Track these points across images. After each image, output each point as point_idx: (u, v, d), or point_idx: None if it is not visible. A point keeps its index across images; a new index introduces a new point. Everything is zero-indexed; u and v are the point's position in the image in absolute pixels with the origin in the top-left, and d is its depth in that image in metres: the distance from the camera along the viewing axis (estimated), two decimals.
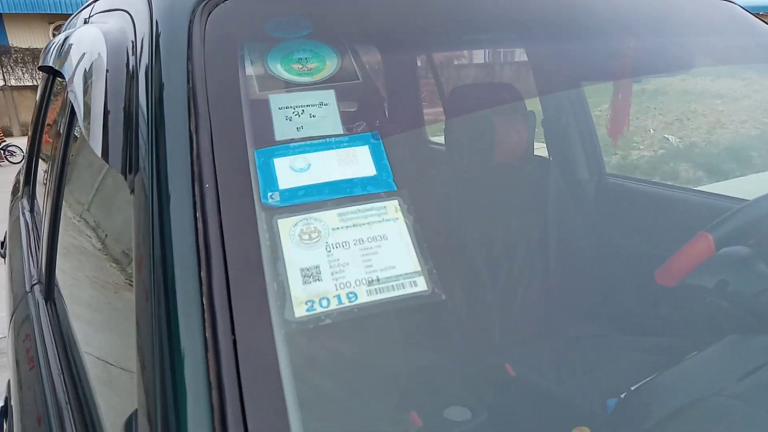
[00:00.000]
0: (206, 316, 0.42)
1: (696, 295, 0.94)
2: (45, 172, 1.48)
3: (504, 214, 1.16)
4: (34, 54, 19.68)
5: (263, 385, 0.38)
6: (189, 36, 0.65)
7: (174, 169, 0.52)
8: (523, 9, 0.91)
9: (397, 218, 0.45)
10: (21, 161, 11.37)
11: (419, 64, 1.49)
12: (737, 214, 1.07)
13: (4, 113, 16.23)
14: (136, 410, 0.43)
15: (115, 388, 0.55)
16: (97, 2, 1.09)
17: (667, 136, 9.42)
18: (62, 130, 1.10)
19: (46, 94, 1.65)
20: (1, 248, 1.81)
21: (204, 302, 0.42)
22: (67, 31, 1.30)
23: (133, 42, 0.71)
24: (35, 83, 19.56)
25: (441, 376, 0.73)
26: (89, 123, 0.72)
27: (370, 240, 0.45)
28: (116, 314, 0.65)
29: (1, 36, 21.42)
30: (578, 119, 1.60)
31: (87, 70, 0.77)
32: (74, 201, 0.97)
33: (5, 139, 12.05)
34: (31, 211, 1.58)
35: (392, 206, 0.46)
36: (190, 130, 0.56)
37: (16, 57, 19.26)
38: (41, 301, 1.06)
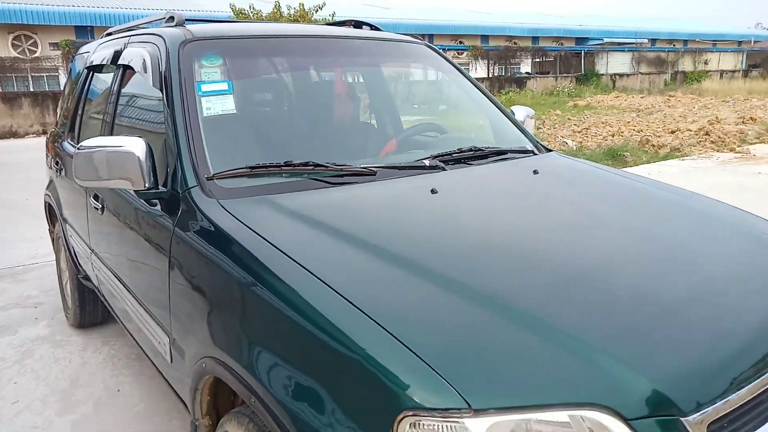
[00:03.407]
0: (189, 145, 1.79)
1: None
2: (90, 120, 2.81)
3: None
4: None
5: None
6: (177, 54, 2.00)
7: (176, 98, 1.88)
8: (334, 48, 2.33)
9: (228, 101, 1.88)
10: None
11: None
12: (407, 131, 2.52)
13: None
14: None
15: None
16: (132, 38, 2.45)
17: (566, 140, 11.17)
18: (113, 94, 2.44)
19: (89, 81, 2.98)
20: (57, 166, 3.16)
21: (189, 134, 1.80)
22: (110, 50, 2.64)
23: (158, 56, 2.05)
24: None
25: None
26: (143, 89, 2.09)
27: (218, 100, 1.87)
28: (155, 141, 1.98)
29: None
30: (387, 105, 2.99)
31: (141, 68, 2.12)
32: (125, 125, 2.32)
33: None
34: (77, 140, 2.93)
35: (230, 98, 1.88)
36: (180, 89, 1.92)
37: None
38: None
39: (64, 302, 3.58)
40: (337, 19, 20.68)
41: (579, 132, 13.07)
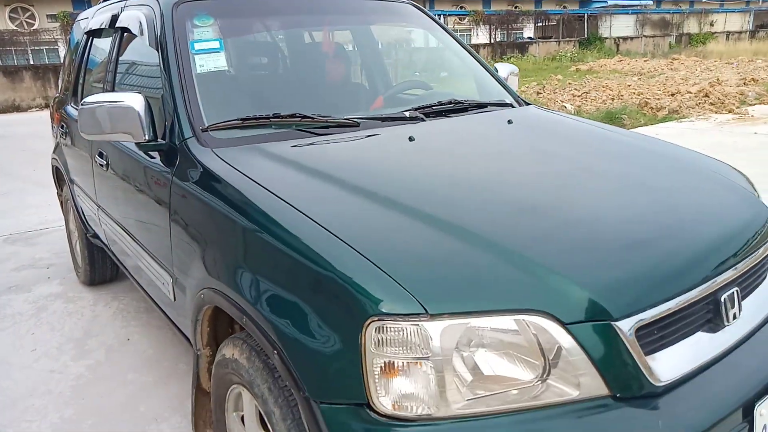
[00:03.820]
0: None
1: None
2: (91, 82, 2.93)
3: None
4: None
5: None
6: (171, 15, 2.11)
7: (171, 57, 1.99)
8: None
9: (220, 58, 2.00)
10: None
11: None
12: (394, 88, 2.63)
13: None
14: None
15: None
16: (128, 1, 2.55)
17: (565, 104, 11.19)
18: (112, 56, 2.55)
19: (89, 46, 3.09)
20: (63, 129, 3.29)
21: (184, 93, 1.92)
22: (107, 14, 2.74)
23: (153, 18, 2.16)
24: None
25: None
26: (141, 50, 2.20)
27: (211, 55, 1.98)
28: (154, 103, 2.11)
29: None
30: (375, 63, 3.09)
31: (138, 30, 2.23)
32: (126, 82, 2.44)
33: None
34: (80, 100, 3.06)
35: (221, 55, 1.99)
36: (174, 47, 2.03)
37: None
38: None
39: (75, 262, 3.76)
40: None
41: (579, 96, 13.04)
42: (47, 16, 23.80)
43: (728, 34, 35.26)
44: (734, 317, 1.31)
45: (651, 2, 41.16)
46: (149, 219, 2.02)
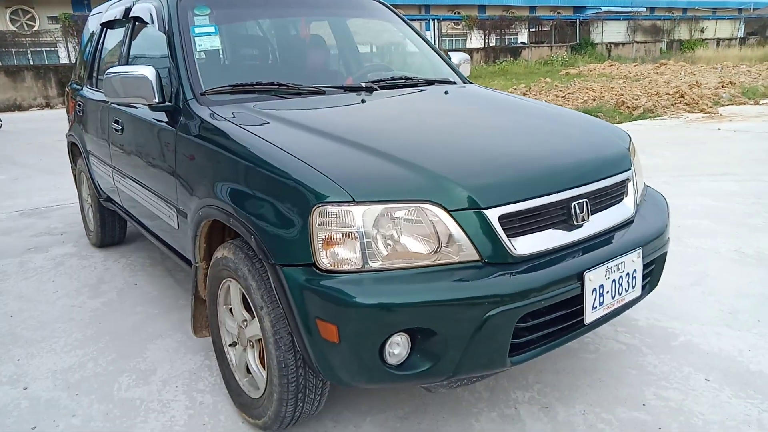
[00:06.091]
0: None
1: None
2: (107, 65, 3.45)
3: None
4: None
5: None
6: (177, 7, 2.63)
7: (177, 39, 2.51)
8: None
9: (215, 40, 2.52)
10: None
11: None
12: (362, 69, 3.15)
13: None
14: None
15: None
16: None
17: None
18: (126, 41, 3.07)
19: (103, 35, 3.61)
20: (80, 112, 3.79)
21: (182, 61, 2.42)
22: (120, 8, 3.26)
23: (162, 9, 2.67)
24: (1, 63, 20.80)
25: None
26: (151, 35, 2.72)
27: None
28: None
29: None
30: (349, 49, 3.61)
31: (149, 19, 2.75)
32: (138, 62, 2.95)
33: None
34: (96, 86, 3.56)
35: (216, 38, 2.52)
36: (179, 32, 2.55)
37: None
38: None
39: (86, 228, 4.26)
40: None
41: (563, 97, 13.59)
42: (48, 17, 24.31)
43: (718, 41, 35.96)
44: (583, 220, 1.83)
45: (644, 9, 41.95)
46: (158, 166, 2.53)
